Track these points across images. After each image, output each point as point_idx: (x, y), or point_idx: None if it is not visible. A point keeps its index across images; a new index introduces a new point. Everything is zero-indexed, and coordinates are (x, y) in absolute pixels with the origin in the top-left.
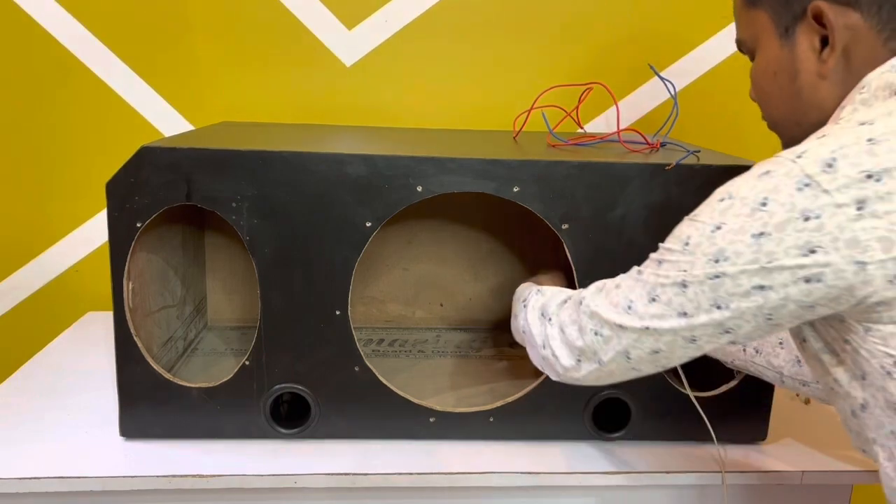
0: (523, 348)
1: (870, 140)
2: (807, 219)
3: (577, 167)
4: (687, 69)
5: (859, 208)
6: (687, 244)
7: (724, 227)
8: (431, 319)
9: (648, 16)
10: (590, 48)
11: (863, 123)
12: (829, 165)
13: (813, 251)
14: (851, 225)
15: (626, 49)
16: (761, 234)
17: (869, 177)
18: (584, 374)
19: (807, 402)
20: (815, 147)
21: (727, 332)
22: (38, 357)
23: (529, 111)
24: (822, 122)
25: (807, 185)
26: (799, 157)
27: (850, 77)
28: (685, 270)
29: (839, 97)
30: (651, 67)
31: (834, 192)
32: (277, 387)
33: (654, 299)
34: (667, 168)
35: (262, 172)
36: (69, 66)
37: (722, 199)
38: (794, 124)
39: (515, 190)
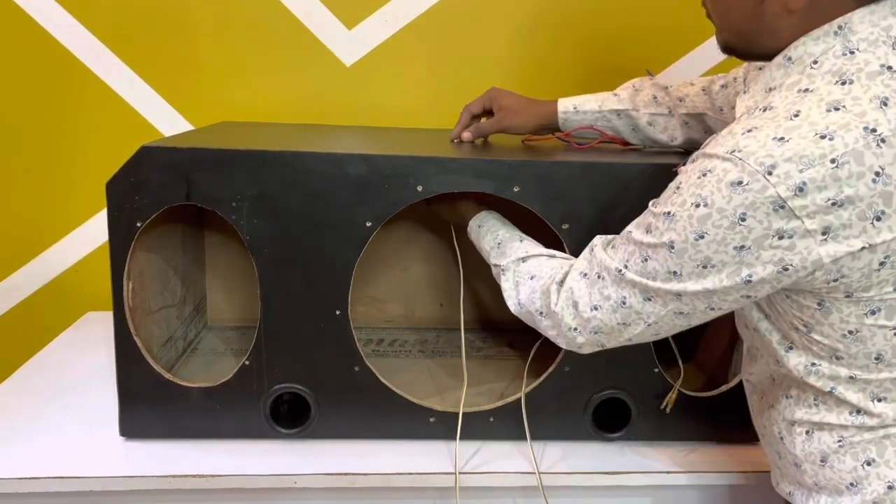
0: (523, 349)
1: (833, 162)
2: (780, 237)
3: (577, 167)
4: (687, 69)
5: (824, 233)
6: (672, 248)
7: (707, 237)
8: (431, 319)
9: (648, 16)
10: (590, 48)
11: (823, 136)
12: (801, 190)
13: (786, 268)
14: (817, 248)
15: (627, 49)
16: (742, 247)
17: (834, 204)
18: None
19: None
20: (781, 159)
21: (711, 309)
22: (38, 357)
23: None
24: (771, 51)
25: (781, 207)
26: (770, 173)
27: (815, 20)
28: (675, 273)
29: (797, 34)
30: (649, 73)
31: (805, 219)
32: (277, 387)
33: (648, 298)
34: (674, 170)
35: (262, 172)
36: (70, 66)
37: (697, 206)
38: (742, 40)
39: (515, 190)
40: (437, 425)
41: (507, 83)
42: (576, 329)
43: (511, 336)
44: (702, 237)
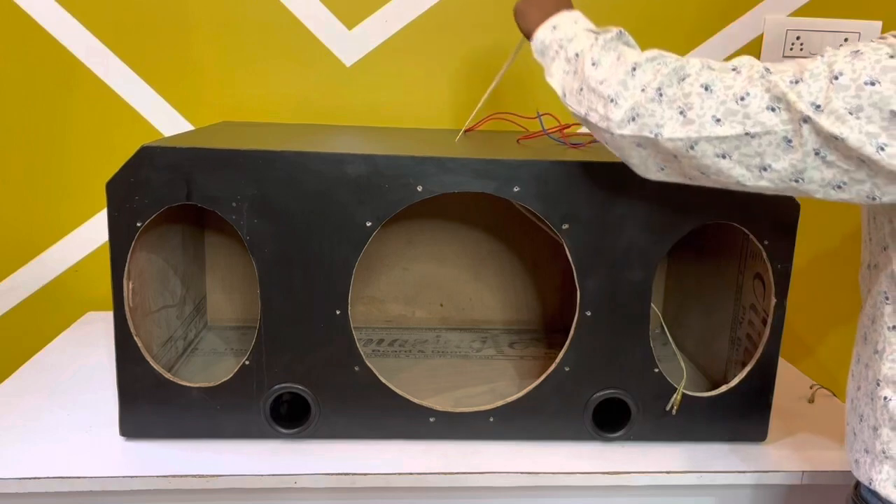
0: (523, 348)
1: None
2: None
3: (577, 167)
4: None
5: None
6: (836, 79)
7: (876, 86)
8: (431, 319)
9: (648, 15)
10: None
11: None
12: None
13: None
14: None
15: None
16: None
17: None
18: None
19: (811, 401)
20: None
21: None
22: (38, 357)
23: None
24: None
25: None
26: None
27: None
28: (817, 106)
29: None
30: None
31: None
32: (277, 387)
33: (772, 108)
34: None
35: (262, 172)
36: (70, 66)
37: (892, 56)
38: None
39: (515, 190)
40: (437, 425)
41: (507, 83)
42: (657, 98)
43: (511, 336)
44: (872, 84)
